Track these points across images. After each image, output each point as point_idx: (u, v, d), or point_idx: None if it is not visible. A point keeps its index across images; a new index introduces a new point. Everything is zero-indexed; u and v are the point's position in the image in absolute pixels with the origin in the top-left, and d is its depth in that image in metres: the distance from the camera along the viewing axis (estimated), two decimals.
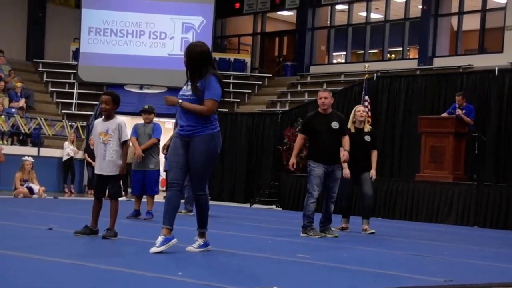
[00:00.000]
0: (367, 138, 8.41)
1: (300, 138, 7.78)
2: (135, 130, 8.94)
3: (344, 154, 7.53)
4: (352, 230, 8.71)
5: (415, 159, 13.20)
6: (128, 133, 6.20)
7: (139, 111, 9.26)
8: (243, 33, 24.26)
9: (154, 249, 5.12)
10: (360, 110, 8.52)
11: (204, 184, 5.39)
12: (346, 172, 8.06)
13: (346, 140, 7.64)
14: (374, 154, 8.47)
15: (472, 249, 7.37)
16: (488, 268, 5.67)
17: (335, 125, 7.54)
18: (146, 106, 9.03)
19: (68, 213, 9.45)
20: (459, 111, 11.94)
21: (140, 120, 9.27)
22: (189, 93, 5.31)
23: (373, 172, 8.41)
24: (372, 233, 8.33)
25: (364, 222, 8.54)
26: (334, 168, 7.56)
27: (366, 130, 8.47)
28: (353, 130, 8.32)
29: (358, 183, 8.45)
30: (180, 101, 5.27)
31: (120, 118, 6.19)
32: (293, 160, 7.71)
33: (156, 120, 9.24)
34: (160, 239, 5.18)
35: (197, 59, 5.28)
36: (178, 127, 5.45)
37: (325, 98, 7.60)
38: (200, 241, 5.35)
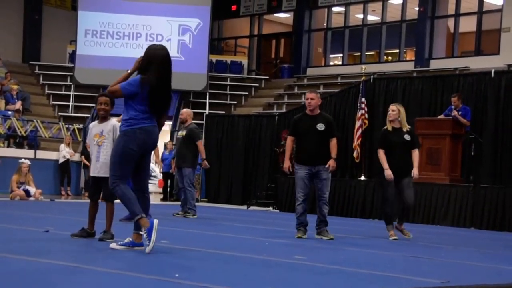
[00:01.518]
0: (407, 137, 7.94)
1: (289, 140, 7.77)
2: None
3: (329, 163, 7.44)
4: (349, 232, 8.71)
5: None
6: None
7: None
8: (240, 35, 24.28)
9: (113, 245, 5.45)
10: (390, 109, 8.05)
11: (112, 179, 5.38)
12: (388, 173, 7.79)
13: (333, 145, 7.55)
14: (416, 153, 8.00)
15: (468, 250, 7.38)
16: (485, 269, 5.68)
17: (320, 126, 7.50)
18: None
19: (65, 215, 9.43)
20: (455, 112, 11.97)
21: None
22: None
23: (415, 171, 7.95)
24: (397, 238, 7.95)
25: (400, 223, 8.18)
26: (319, 169, 7.49)
27: (405, 129, 7.99)
28: (390, 129, 7.99)
29: (398, 188, 7.97)
30: (128, 69, 5.55)
31: (114, 120, 6.19)
32: (287, 163, 7.68)
33: None
34: (126, 240, 5.45)
35: (142, 59, 5.47)
36: None
37: (312, 99, 7.55)
38: (126, 239, 5.44)
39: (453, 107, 12.05)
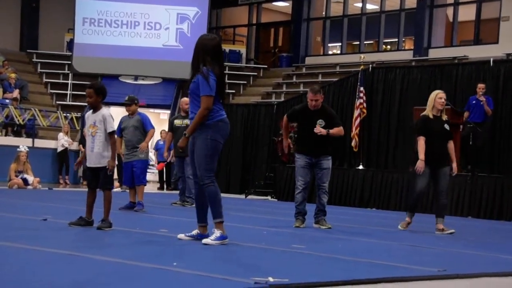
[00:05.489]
0: (447, 126, 7.62)
1: (285, 122, 7.76)
2: (120, 124, 8.90)
3: (320, 130, 7.33)
4: (347, 221, 8.70)
5: (410, 150, 13.23)
6: (114, 124, 6.19)
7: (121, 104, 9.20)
8: (238, 24, 24.20)
9: (181, 235, 5.47)
10: (442, 97, 7.62)
11: (206, 173, 5.32)
12: (421, 165, 7.45)
13: (336, 130, 7.47)
14: (452, 146, 7.70)
15: (465, 239, 7.40)
16: (481, 258, 5.69)
17: (320, 122, 7.45)
18: (126, 98, 8.93)
19: (63, 204, 9.44)
20: (482, 98, 11.96)
21: None
22: (189, 88, 5.43)
23: (455, 165, 7.68)
24: (452, 233, 7.58)
25: (438, 221, 7.74)
26: (320, 159, 7.51)
27: (444, 118, 7.67)
28: (431, 116, 7.62)
29: (434, 178, 7.63)
30: (185, 133, 5.37)
31: (105, 110, 6.18)
32: (286, 142, 7.67)
33: (151, 111, 9.23)
34: (194, 232, 5.49)
35: (196, 52, 5.39)
36: None
37: (316, 100, 7.40)
38: (216, 233, 5.28)
39: (480, 93, 11.98)
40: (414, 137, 7.99)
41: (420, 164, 7.49)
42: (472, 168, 12.28)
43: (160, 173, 17.49)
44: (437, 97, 7.66)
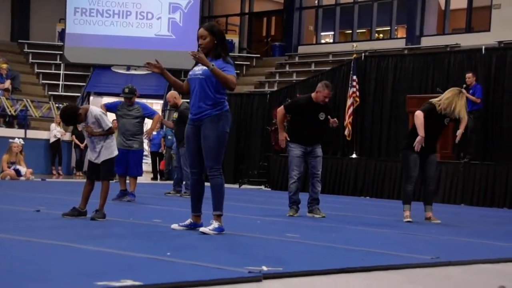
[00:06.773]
0: (446, 122, 7.51)
1: (281, 115, 7.78)
2: (116, 108, 8.88)
3: (335, 121, 7.62)
4: (341, 210, 8.72)
5: (403, 138, 13.24)
6: (107, 121, 6.17)
7: (120, 95, 9.17)
8: (230, 13, 24.12)
9: (175, 225, 5.47)
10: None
11: (215, 165, 5.38)
12: (420, 141, 7.20)
13: (333, 121, 7.68)
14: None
15: (458, 226, 7.44)
16: (474, 245, 5.73)
17: (321, 116, 7.57)
18: (126, 90, 8.87)
19: (56, 195, 9.42)
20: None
21: None
22: (200, 72, 5.43)
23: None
24: (438, 223, 7.44)
25: (427, 209, 7.66)
26: (314, 147, 7.61)
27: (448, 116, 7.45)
28: (437, 110, 7.33)
29: (421, 165, 7.48)
30: (213, 64, 5.29)
31: (94, 109, 6.14)
32: (282, 135, 7.71)
33: (144, 101, 9.23)
34: (187, 221, 5.49)
35: (219, 38, 5.46)
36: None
37: (329, 97, 7.57)
38: (215, 224, 5.31)
39: (466, 84, 11.97)
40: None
41: (419, 140, 7.20)
42: (464, 156, 12.34)
43: (154, 163, 17.49)
44: (463, 101, 7.38)
